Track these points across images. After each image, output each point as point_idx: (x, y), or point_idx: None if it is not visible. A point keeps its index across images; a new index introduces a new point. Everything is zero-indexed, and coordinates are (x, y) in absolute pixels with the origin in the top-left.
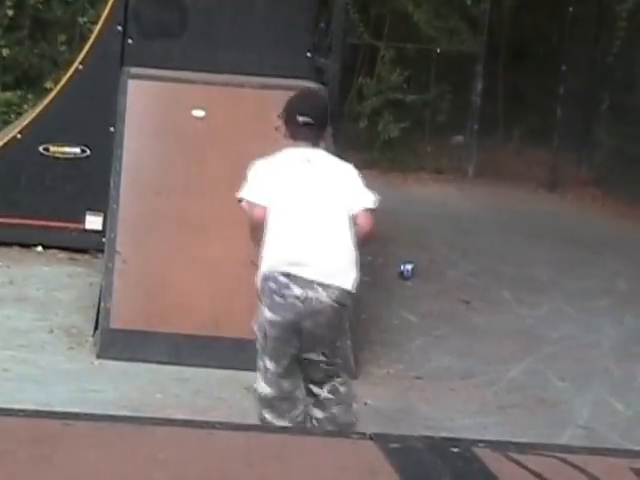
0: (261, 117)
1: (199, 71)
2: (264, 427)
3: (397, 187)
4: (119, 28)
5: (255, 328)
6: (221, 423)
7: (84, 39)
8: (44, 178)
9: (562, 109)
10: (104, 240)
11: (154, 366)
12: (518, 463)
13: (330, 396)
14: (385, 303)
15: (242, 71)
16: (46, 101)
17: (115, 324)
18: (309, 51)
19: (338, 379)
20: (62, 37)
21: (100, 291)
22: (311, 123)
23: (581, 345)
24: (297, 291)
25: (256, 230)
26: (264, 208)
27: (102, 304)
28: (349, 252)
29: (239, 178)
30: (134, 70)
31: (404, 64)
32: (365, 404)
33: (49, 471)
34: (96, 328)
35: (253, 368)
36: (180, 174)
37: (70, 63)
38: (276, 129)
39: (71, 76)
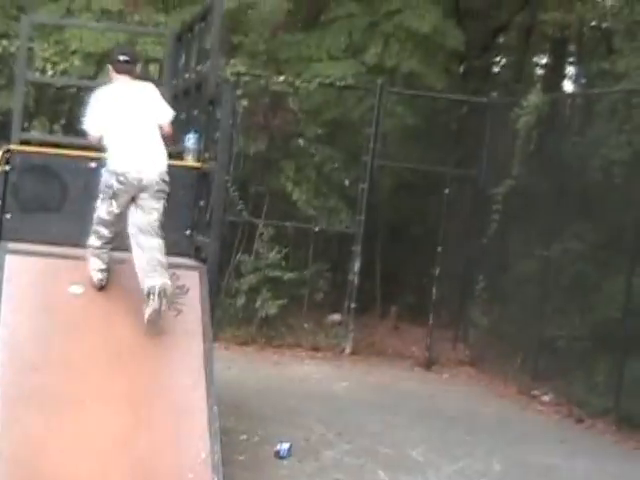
0: (139, 294)
1: (78, 246)
2: None
3: (274, 364)
4: None
5: (103, 184)
6: None
7: None
8: None
9: (438, 288)
10: None
11: None
12: None
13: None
14: None
15: (122, 247)
16: None
17: None
18: (188, 228)
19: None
20: None
21: None
22: (128, 60)
23: None
24: (135, 175)
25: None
26: (96, 136)
27: None
28: (161, 150)
29: (115, 351)
30: (12, 245)
31: (283, 242)
32: None
33: None
34: None
35: None
36: (58, 350)
37: None
38: None
39: None
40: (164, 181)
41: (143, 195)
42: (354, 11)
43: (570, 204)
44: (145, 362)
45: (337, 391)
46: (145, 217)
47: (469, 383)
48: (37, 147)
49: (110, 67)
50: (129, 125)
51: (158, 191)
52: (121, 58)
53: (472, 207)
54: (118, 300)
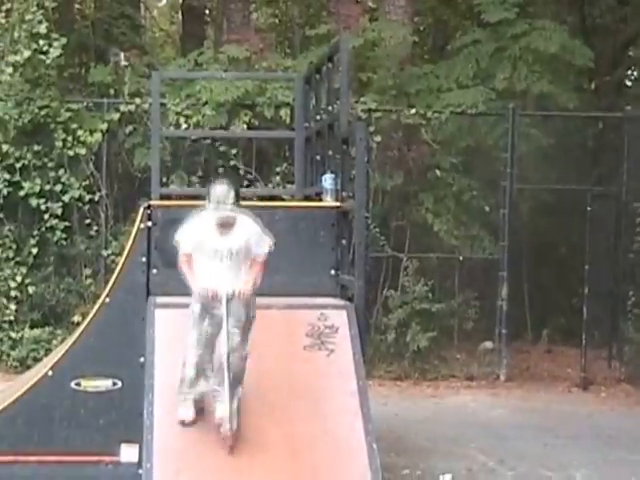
0: (289, 337)
1: None
2: None
3: (429, 397)
4: (143, 259)
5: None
6: None
7: (109, 271)
8: (77, 413)
9: (588, 307)
10: (141, 472)
11: None
12: None
13: None
14: None
15: (268, 292)
16: (75, 336)
17: None
18: (333, 269)
19: None
20: (87, 271)
21: None
22: None
23: None
24: None
25: None
26: None
27: None
28: None
29: (269, 398)
30: (160, 299)
31: (428, 274)
32: None
33: None
34: None
35: None
36: None
37: (96, 296)
38: None
39: (98, 309)
40: None
41: None
42: (479, 37)
43: None
44: (301, 406)
45: (495, 418)
46: None
47: (627, 401)
48: (177, 201)
49: None
50: None
51: None
52: None
53: (616, 223)
54: (269, 346)
